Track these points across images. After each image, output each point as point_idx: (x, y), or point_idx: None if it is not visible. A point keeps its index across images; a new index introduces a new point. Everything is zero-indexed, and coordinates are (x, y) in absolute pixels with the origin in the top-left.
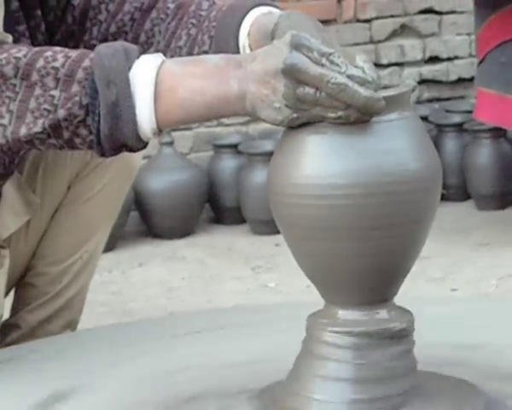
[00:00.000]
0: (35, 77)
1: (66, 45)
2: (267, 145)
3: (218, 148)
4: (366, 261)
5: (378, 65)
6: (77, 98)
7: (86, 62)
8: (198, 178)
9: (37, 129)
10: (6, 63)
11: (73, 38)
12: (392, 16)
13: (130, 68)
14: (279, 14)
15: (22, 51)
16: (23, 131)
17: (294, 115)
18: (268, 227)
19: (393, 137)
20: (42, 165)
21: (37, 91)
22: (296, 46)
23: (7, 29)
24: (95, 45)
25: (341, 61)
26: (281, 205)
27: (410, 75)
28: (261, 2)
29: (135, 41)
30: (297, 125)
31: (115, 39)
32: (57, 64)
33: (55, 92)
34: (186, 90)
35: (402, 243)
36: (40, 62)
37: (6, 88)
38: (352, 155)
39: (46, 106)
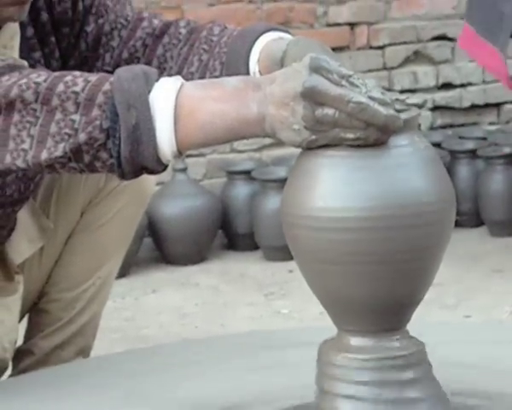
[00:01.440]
0: (55, 101)
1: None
2: (280, 172)
3: (232, 174)
4: (379, 290)
5: (391, 91)
6: (97, 122)
7: (106, 86)
8: (211, 204)
9: (58, 153)
10: (26, 88)
11: (87, 64)
12: (405, 43)
13: (149, 92)
14: (288, 40)
15: (42, 76)
16: (44, 155)
17: (313, 137)
18: (281, 254)
19: (407, 167)
20: (55, 191)
21: (58, 116)
22: (315, 69)
23: (22, 56)
24: (108, 71)
25: (361, 83)
26: (294, 233)
27: (423, 102)
28: (271, 28)
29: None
30: (315, 147)
31: (127, 65)
32: (77, 88)
33: (76, 116)
34: (206, 113)
35: (415, 272)
36: (60, 87)
37: (26, 113)
38: (364, 186)
39: (67, 130)
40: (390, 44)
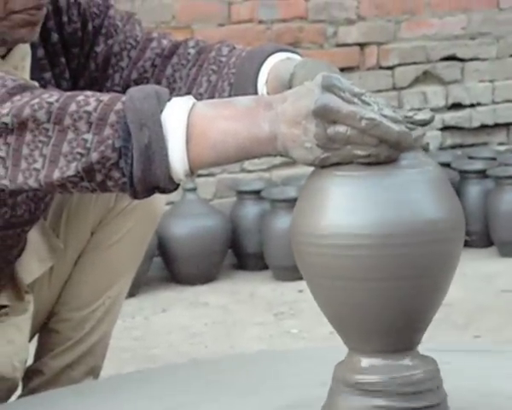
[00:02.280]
0: (68, 121)
1: None
2: (290, 191)
3: (241, 194)
4: (388, 311)
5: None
6: (110, 141)
7: (118, 106)
8: (221, 224)
9: (71, 172)
10: (39, 108)
11: (96, 84)
12: (414, 63)
13: (162, 111)
14: (295, 62)
15: (54, 96)
16: (56, 174)
17: (326, 155)
18: (291, 273)
19: (415, 186)
20: (65, 211)
21: (70, 135)
22: (328, 87)
23: (33, 76)
24: (117, 92)
25: (373, 101)
26: (303, 253)
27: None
28: (280, 48)
29: None
30: (327, 165)
31: (137, 85)
32: (89, 108)
33: (88, 136)
34: (217, 132)
35: (424, 292)
36: (72, 107)
37: (39, 133)
38: (373, 206)
39: (79, 149)
40: (400, 65)
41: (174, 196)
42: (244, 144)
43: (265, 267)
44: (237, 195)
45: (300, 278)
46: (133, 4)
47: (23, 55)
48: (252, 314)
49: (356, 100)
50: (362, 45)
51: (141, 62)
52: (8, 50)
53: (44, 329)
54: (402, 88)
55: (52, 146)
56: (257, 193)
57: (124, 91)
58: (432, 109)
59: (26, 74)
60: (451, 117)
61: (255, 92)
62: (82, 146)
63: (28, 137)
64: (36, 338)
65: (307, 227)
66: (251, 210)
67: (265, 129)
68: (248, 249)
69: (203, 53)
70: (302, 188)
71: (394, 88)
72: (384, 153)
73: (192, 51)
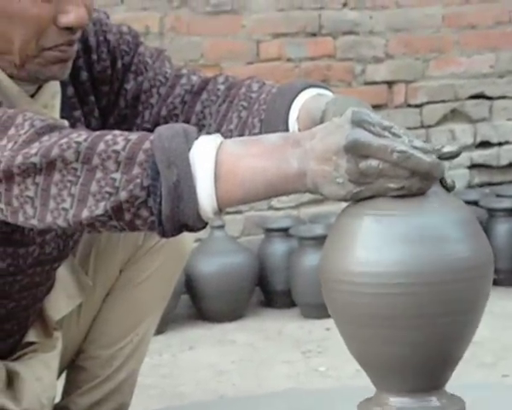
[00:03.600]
0: (96, 161)
1: (119, 129)
2: (317, 229)
3: (269, 231)
4: (417, 349)
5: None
6: (138, 180)
7: (146, 145)
8: (248, 261)
9: (99, 211)
10: (67, 148)
11: (126, 121)
12: (442, 101)
13: (190, 149)
14: (326, 99)
15: (82, 136)
16: (85, 214)
17: (357, 189)
18: (318, 311)
19: (444, 226)
20: (94, 248)
21: (99, 175)
22: (358, 122)
23: (64, 114)
24: (147, 129)
25: (403, 133)
26: (332, 291)
27: (461, 160)
28: (310, 84)
29: (186, 123)
30: (360, 199)
31: (166, 122)
32: (118, 147)
33: (117, 175)
34: (246, 170)
35: (454, 331)
36: (101, 146)
37: (67, 172)
38: (403, 245)
39: (107, 189)
40: (428, 102)
41: (202, 234)
42: (273, 181)
43: (293, 305)
44: (265, 232)
45: (328, 316)
46: (162, 42)
47: (53, 94)
48: (279, 352)
49: (386, 133)
50: (390, 83)
51: (170, 99)
52: (38, 89)
53: (72, 366)
54: (430, 126)
55: (81, 185)
56: (285, 230)
57: (153, 128)
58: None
59: (56, 113)
60: (479, 155)
61: (286, 129)
62: (110, 185)
63: (57, 176)
64: (64, 375)
65: (336, 265)
66: (279, 248)
67: (294, 166)
68: (276, 287)
69: (233, 89)
70: (332, 226)
71: (422, 126)
72: (416, 185)
73: (222, 87)
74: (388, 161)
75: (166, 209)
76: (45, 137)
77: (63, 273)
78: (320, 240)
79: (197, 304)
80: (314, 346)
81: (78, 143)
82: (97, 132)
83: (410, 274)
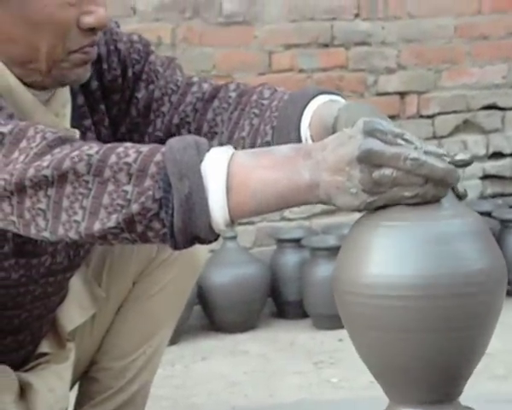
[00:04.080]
0: (108, 173)
1: (130, 138)
2: (330, 240)
3: (281, 242)
4: (431, 362)
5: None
6: (150, 192)
7: (158, 157)
8: (261, 272)
9: (111, 224)
10: (78, 160)
11: (137, 130)
12: (455, 112)
13: (201, 161)
14: (338, 106)
15: (94, 148)
16: (97, 226)
17: (371, 199)
18: (331, 322)
19: (458, 237)
20: (108, 260)
21: (110, 187)
22: (370, 132)
23: (74, 123)
24: (159, 137)
25: (415, 139)
26: (346, 302)
27: (473, 171)
28: (322, 91)
29: (198, 131)
30: (374, 209)
31: (178, 130)
32: (129, 160)
33: (128, 187)
34: (257, 181)
35: (467, 341)
36: (112, 159)
37: (79, 185)
38: (417, 256)
39: (119, 201)
40: (440, 113)
41: (214, 245)
42: (284, 193)
43: (305, 316)
44: (277, 243)
45: (340, 327)
46: (174, 53)
47: (64, 103)
48: (291, 363)
49: (399, 140)
50: (402, 94)
51: (182, 107)
52: (49, 97)
53: (85, 377)
54: (442, 137)
55: (92, 198)
56: (297, 241)
57: (165, 136)
58: (472, 158)
59: (67, 122)
60: (492, 166)
61: (298, 136)
62: (122, 198)
63: (68, 189)
64: (76, 387)
65: (351, 277)
66: (291, 258)
67: (306, 177)
68: (288, 298)
69: (244, 96)
70: (346, 237)
71: (434, 137)
72: (431, 192)
73: (233, 95)
74: (402, 169)
75: (178, 221)
76: (57, 150)
77: (76, 284)
78: (332, 251)
79: (210, 315)
80: (326, 357)
81: (90, 155)
82: (109, 145)
83: (424, 286)
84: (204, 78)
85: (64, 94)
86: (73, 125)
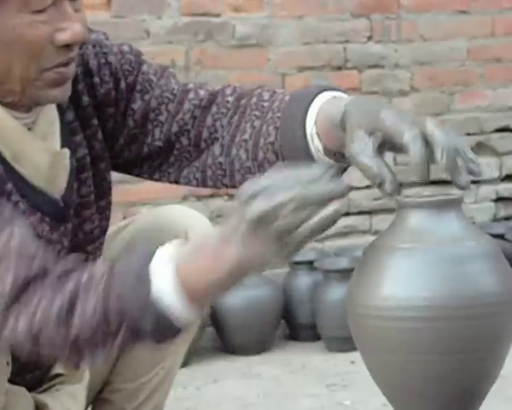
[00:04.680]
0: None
1: (129, 149)
2: (343, 262)
3: (294, 264)
4: (445, 384)
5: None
6: (119, 340)
7: (113, 304)
8: (273, 294)
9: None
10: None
11: (136, 140)
12: (468, 134)
13: (149, 294)
14: (344, 101)
15: (57, 300)
16: None
17: (286, 248)
18: (343, 344)
19: (472, 260)
20: None
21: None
22: (251, 197)
23: (64, 140)
24: (158, 146)
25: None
26: (361, 324)
27: (486, 193)
28: (324, 88)
29: (197, 138)
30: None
31: (178, 138)
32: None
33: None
34: (205, 284)
35: (481, 365)
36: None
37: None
38: (432, 279)
39: (97, 340)
40: None
41: None
42: (228, 277)
43: (318, 338)
44: (290, 265)
45: (353, 349)
46: (188, 75)
47: (51, 121)
48: (304, 385)
49: (274, 192)
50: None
51: (180, 115)
52: (34, 120)
53: (98, 399)
54: None
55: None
56: (309, 263)
57: (165, 146)
58: (485, 181)
59: (57, 140)
60: (505, 188)
61: (303, 134)
62: (100, 338)
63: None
64: (90, 408)
65: (364, 299)
66: (303, 281)
67: (234, 255)
68: (301, 320)
69: (243, 99)
70: (360, 260)
71: None
72: (330, 211)
73: (231, 99)
74: (290, 213)
75: (153, 342)
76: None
77: None
78: (345, 273)
79: (222, 337)
80: (339, 379)
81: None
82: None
83: (437, 309)
84: (200, 84)
85: (51, 111)
86: (63, 142)
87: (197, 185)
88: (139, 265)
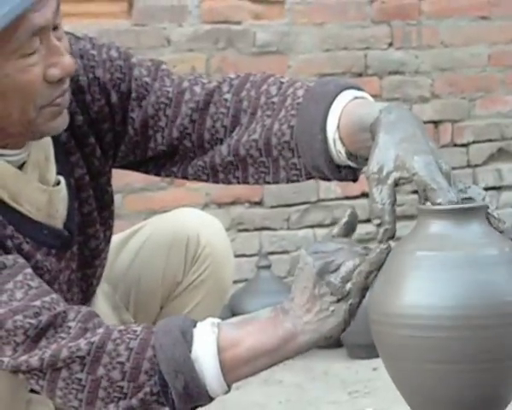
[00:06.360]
0: (101, 371)
1: (134, 153)
2: None
3: None
4: (468, 393)
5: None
6: (147, 389)
7: (149, 353)
8: None
9: (111, 408)
10: (71, 362)
11: (138, 147)
12: (489, 140)
13: (191, 352)
14: (378, 107)
15: (82, 344)
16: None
17: (349, 302)
18: (365, 351)
19: (494, 268)
20: (134, 285)
21: (104, 383)
22: (314, 252)
23: (59, 162)
24: (162, 150)
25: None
26: (381, 330)
27: (507, 199)
28: (344, 86)
29: (200, 140)
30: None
31: (180, 142)
32: (122, 359)
33: (123, 383)
34: (247, 350)
35: (504, 375)
36: (105, 359)
37: (71, 382)
38: (454, 287)
39: (116, 394)
40: (474, 142)
41: (248, 274)
42: (273, 351)
43: (340, 345)
44: None
45: (375, 356)
46: None
47: (43, 145)
48: (326, 392)
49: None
50: (436, 123)
51: (179, 120)
52: (29, 153)
53: None
54: (477, 165)
55: (87, 393)
56: None
57: (168, 150)
58: (507, 187)
59: (52, 163)
60: None
61: (324, 137)
62: (118, 391)
63: (60, 384)
64: None
65: (387, 307)
66: None
67: (288, 327)
68: None
69: (241, 92)
70: (382, 268)
71: (469, 165)
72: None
73: (228, 96)
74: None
75: (180, 406)
76: (43, 343)
77: (104, 309)
78: None
79: None
80: (361, 386)
81: (82, 357)
82: (97, 341)
83: (461, 317)
84: (194, 79)
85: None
86: (58, 165)
87: (207, 181)
88: (183, 323)
